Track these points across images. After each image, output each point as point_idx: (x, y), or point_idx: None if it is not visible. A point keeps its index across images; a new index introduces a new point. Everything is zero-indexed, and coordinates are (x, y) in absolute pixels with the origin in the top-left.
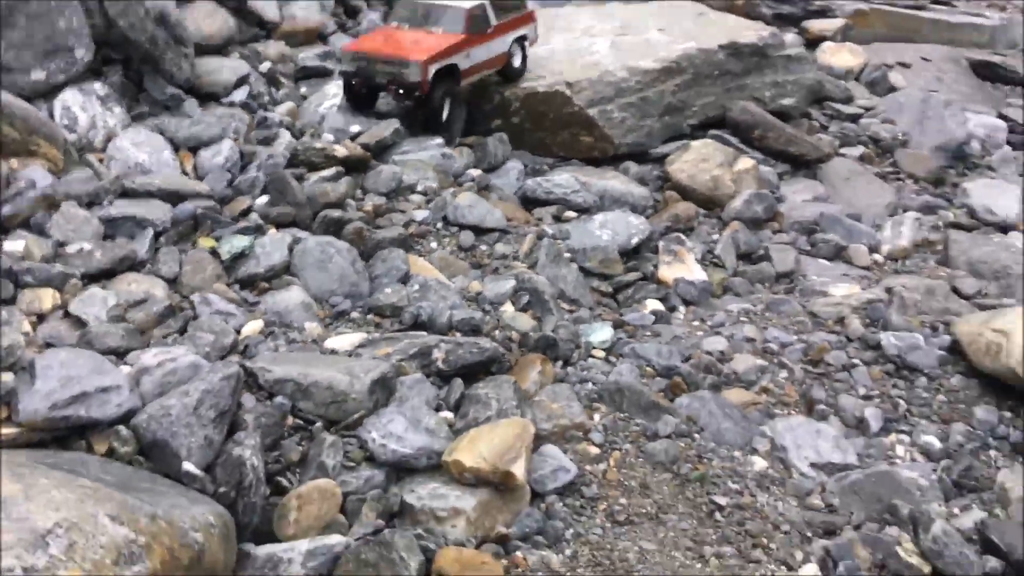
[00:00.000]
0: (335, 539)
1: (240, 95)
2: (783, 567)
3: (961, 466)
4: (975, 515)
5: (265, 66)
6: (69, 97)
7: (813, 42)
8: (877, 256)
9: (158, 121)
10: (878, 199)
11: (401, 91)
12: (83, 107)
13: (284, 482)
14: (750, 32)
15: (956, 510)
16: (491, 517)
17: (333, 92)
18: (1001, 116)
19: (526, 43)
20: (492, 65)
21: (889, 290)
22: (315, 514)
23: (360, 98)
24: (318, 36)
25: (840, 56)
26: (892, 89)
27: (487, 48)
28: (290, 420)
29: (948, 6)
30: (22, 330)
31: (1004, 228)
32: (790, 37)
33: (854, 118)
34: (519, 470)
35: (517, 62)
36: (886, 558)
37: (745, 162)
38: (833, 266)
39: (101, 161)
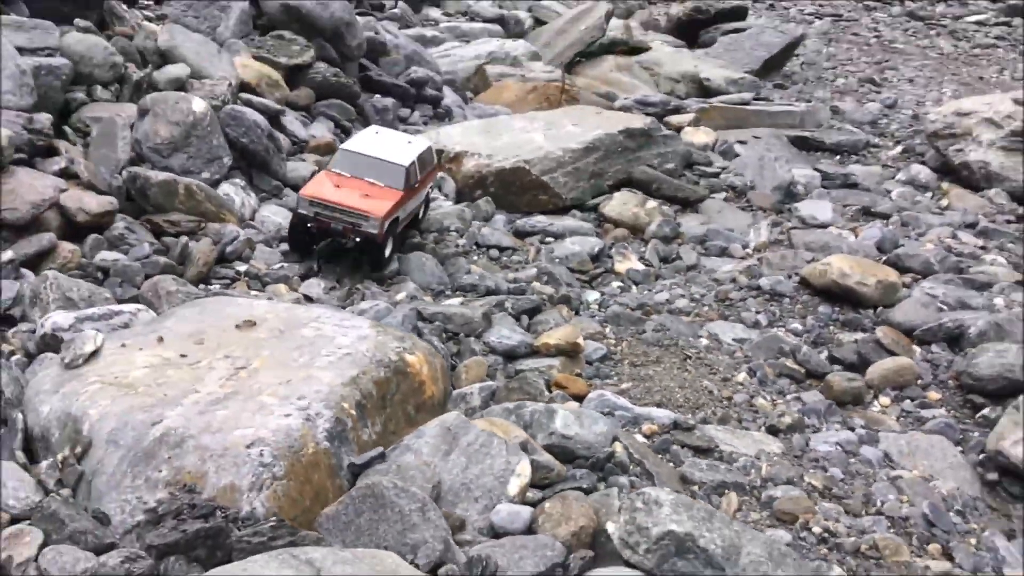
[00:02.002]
0: (491, 383)
1: None
2: (728, 374)
3: (814, 335)
4: (826, 353)
5: (312, 168)
6: (226, 187)
7: (674, 131)
8: (748, 250)
9: (280, 200)
10: (742, 221)
11: (358, 239)
12: (236, 193)
13: (454, 361)
14: (637, 121)
15: (815, 352)
16: (568, 369)
17: None
18: (816, 169)
19: (430, 195)
20: (413, 215)
21: (760, 259)
22: (475, 374)
23: (303, 242)
24: (331, 148)
25: (698, 136)
26: (737, 155)
27: (414, 201)
28: (443, 335)
29: (766, 100)
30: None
31: (823, 225)
32: None
33: (715, 175)
34: (581, 342)
35: (421, 212)
36: (780, 369)
37: (651, 203)
38: (721, 260)
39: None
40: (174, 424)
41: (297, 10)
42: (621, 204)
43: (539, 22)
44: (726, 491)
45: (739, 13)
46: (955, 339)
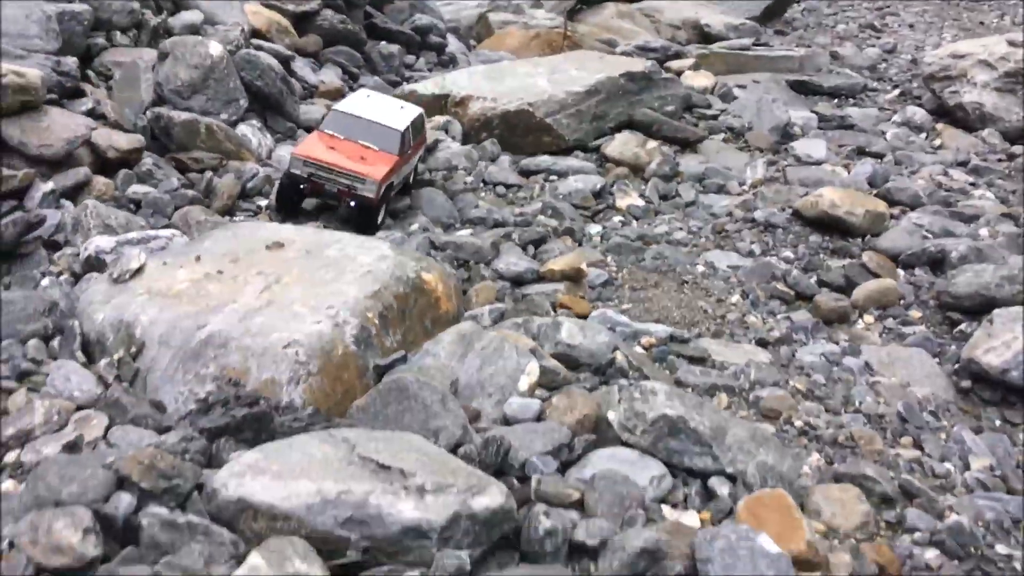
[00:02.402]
0: (500, 305)
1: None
2: (722, 296)
3: (805, 262)
4: (815, 277)
5: (323, 111)
6: (243, 128)
7: (675, 75)
8: (744, 187)
9: (294, 141)
10: (739, 161)
11: (352, 202)
12: (252, 134)
13: (465, 286)
14: (638, 64)
15: (804, 277)
16: (572, 293)
17: None
18: (813, 111)
19: (419, 166)
20: (405, 180)
21: (755, 193)
22: (485, 297)
23: (291, 202)
24: (341, 94)
25: (698, 79)
26: (735, 98)
27: (407, 166)
28: (454, 262)
29: (766, 46)
30: None
31: (817, 163)
32: None
33: (714, 117)
34: (584, 268)
35: (411, 178)
36: (771, 292)
37: (652, 143)
38: (719, 196)
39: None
40: (217, 328)
41: None
42: (622, 144)
43: None
44: (717, 392)
45: None
46: (937, 263)
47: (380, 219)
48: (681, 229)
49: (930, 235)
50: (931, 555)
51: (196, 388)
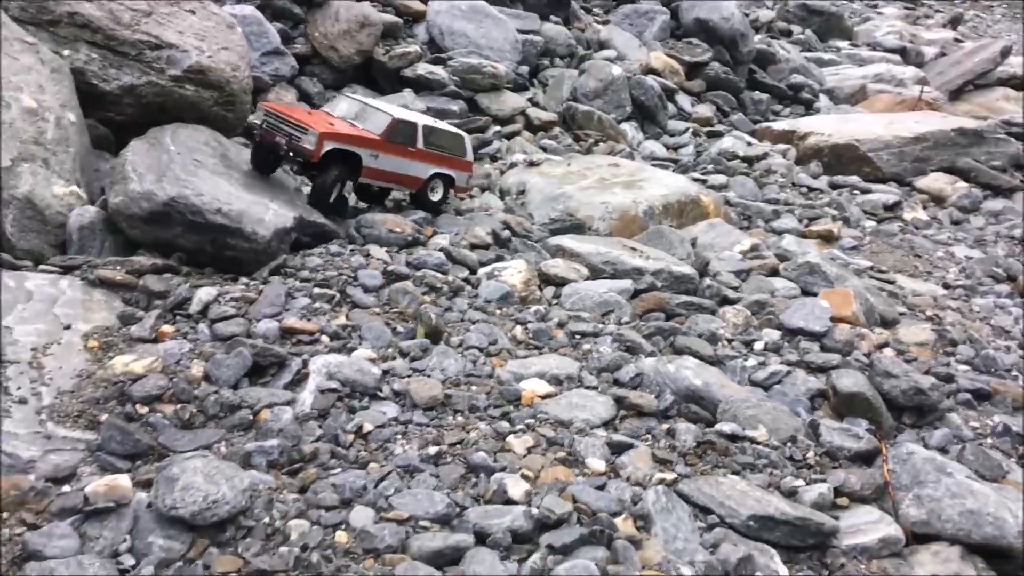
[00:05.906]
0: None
1: (686, 138)
2: (942, 267)
3: None
4: None
5: (685, 125)
6: (625, 125)
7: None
8: None
9: (659, 139)
10: None
11: (292, 154)
12: (630, 129)
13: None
14: (973, 123)
15: (1019, 263)
16: (820, 247)
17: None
18: None
19: (452, 188)
20: (403, 182)
21: None
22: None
23: (262, 163)
24: (709, 123)
25: None
26: None
27: (401, 163)
28: (740, 216)
29: None
30: None
31: None
32: None
33: None
34: (836, 231)
35: (435, 196)
36: (987, 272)
37: (962, 184)
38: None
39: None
40: (566, 190)
41: (705, 22)
42: (932, 180)
43: (944, 55)
44: (882, 292)
45: None
46: None
47: (334, 196)
48: (946, 235)
49: None
50: (962, 367)
51: (550, 213)
